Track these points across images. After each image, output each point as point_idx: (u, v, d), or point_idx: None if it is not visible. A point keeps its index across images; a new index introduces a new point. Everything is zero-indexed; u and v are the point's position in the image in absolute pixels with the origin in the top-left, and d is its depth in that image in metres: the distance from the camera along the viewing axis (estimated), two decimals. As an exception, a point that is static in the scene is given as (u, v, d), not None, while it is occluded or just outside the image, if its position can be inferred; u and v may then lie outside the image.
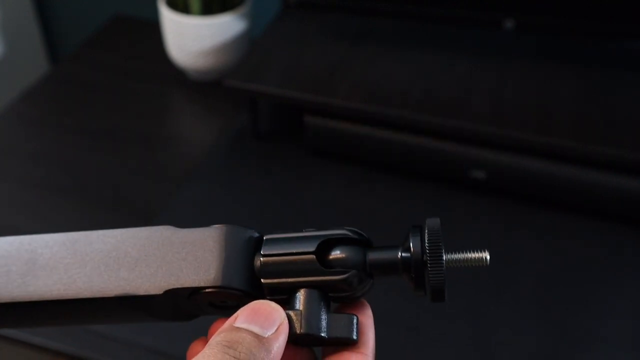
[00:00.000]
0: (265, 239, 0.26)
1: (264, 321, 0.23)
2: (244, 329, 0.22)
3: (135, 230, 0.26)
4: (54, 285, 0.25)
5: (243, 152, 0.75)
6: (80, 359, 0.55)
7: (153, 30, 0.97)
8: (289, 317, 0.24)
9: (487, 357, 0.54)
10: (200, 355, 0.21)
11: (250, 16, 0.85)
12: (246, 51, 0.84)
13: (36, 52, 1.12)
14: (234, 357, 0.21)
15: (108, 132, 0.80)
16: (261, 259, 0.25)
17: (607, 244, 0.64)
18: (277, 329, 0.23)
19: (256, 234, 0.27)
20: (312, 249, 0.25)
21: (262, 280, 0.25)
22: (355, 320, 0.25)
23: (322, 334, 0.24)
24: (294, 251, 0.25)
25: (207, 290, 0.25)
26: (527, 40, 0.76)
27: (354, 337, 0.24)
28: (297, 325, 0.24)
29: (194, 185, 0.70)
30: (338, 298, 0.26)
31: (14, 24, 1.04)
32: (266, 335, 0.22)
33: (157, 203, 0.68)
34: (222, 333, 0.22)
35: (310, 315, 0.24)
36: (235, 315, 0.23)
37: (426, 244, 0.25)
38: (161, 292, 0.25)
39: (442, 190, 0.69)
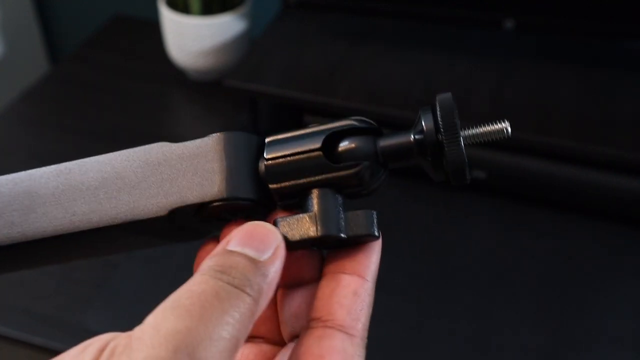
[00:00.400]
0: (267, 142, 0.24)
1: (259, 244, 0.21)
2: (237, 252, 0.20)
3: (130, 152, 0.25)
4: (55, 220, 0.24)
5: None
6: (80, 359, 0.55)
7: (153, 30, 0.97)
8: (304, 220, 0.22)
9: (487, 357, 0.54)
10: (190, 281, 0.19)
11: (250, 16, 0.85)
12: (246, 51, 0.84)
13: (36, 52, 1.12)
14: (228, 283, 0.19)
15: (108, 132, 0.80)
16: (265, 162, 0.24)
17: (607, 244, 0.64)
18: (274, 252, 0.21)
19: (257, 137, 0.25)
20: (318, 145, 0.23)
21: (269, 185, 0.24)
22: (374, 215, 0.23)
23: (342, 235, 0.22)
24: (299, 150, 0.23)
25: (213, 204, 0.23)
26: (527, 40, 0.76)
27: (376, 233, 0.23)
28: (312, 229, 0.22)
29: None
30: (352, 194, 0.24)
31: (14, 24, 1.04)
32: (262, 259, 0.20)
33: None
34: (214, 257, 0.20)
35: (326, 216, 0.22)
36: (227, 238, 0.21)
37: (439, 121, 0.22)
38: (165, 212, 0.23)
39: (442, 190, 0.69)
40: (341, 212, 0.23)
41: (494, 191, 0.68)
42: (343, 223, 0.23)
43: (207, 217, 0.24)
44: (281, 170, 0.24)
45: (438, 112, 0.22)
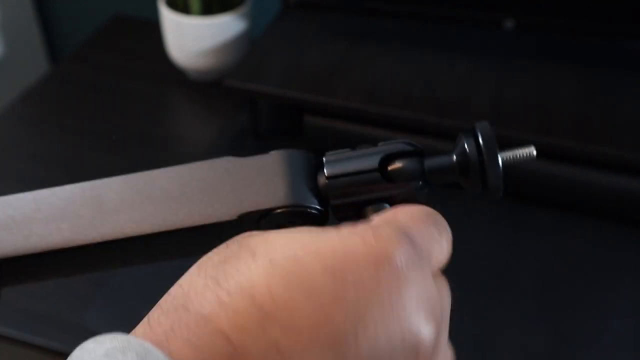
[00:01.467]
0: (326, 160, 0.27)
1: (429, 237, 0.24)
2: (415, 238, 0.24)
3: (196, 164, 0.27)
4: (125, 224, 0.26)
5: (243, 152, 0.75)
6: (81, 359, 0.55)
7: (153, 30, 0.97)
8: None
9: (488, 357, 0.54)
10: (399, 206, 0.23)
11: (250, 16, 0.85)
12: (246, 51, 0.84)
13: (36, 52, 1.12)
14: (430, 215, 0.24)
15: (108, 132, 0.80)
16: (326, 180, 0.26)
17: (607, 244, 0.64)
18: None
19: (313, 156, 0.28)
20: (375, 165, 0.26)
21: (331, 200, 0.26)
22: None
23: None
24: (359, 169, 0.26)
25: (278, 210, 0.25)
26: (527, 40, 0.76)
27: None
28: None
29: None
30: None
31: (14, 24, 1.04)
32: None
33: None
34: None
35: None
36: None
37: (482, 146, 0.26)
38: (235, 217, 0.25)
39: (442, 190, 0.69)
40: None
41: (494, 191, 0.68)
42: None
43: (267, 225, 0.26)
44: (342, 187, 0.26)
45: (480, 138, 0.26)
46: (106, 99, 0.85)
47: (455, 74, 0.71)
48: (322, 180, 0.26)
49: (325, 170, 0.26)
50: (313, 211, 0.26)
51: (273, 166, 0.27)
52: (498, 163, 0.26)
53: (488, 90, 0.68)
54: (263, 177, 0.26)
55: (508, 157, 0.27)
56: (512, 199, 0.68)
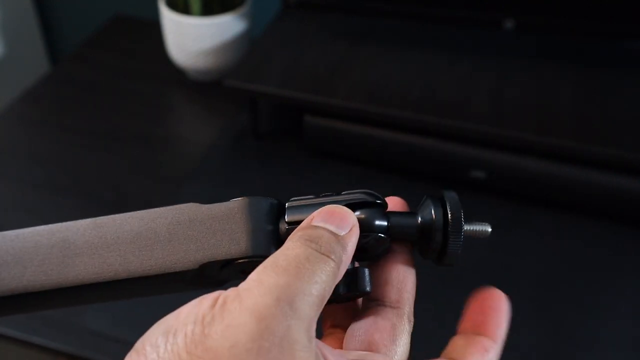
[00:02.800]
0: (288, 207, 0.27)
1: (340, 222, 0.24)
2: (321, 227, 0.24)
3: (161, 210, 0.28)
4: (91, 269, 0.26)
5: (243, 152, 0.75)
6: (81, 359, 0.55)
7: (153, 30, 0.97)
8: None
9: (487, 357, 0.54)
10: (284, 247, 0.23)
11: (250, 16, 0.85)
12: (246, 51, 0.84)
13: (36, 52, 1.12)
14: (316, 250, 0.23)
15: (108, 132, 0.80)
16: (286, 227, 0.27)
17: (607, 244, 0.64)
18: (351, 229, 0.25)
19: (276, 201, 0.28)
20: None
21: None
22: (367, 273, 0.27)
23: (341, 292, 0.26)
24: None
25: (239, 260, 0.26)
26: (527, 40, 0.76)
27: (367, 289, 0.26)
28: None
29: (194, 185, 0.70)
30: (359, 258, 0.27)
31: (14, 24, 1.04)
32: (342, 234, 0.24)
33: (157, 203, 0.68)
34: (301, 230, 0.24)
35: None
36: (311, 216, 0.25)
37: (449, 217, 0.27)
38: (197, 266, 0.26)
39: (441, 190, 0.69)
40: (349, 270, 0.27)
41: (494, 191, 0.68)
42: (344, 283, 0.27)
43: (231, 271, 0.27)
44: None
45: (448, 208, 0.27)
46: (106, 99, 0.86)
47: (455, 74, 0.71)
48: (283, 227, 0.27)
49: (286, 217, 0.27)
50: None
51: (235, 214, 0.27)
52: (461, 235, 0.27)
53: (488, 90, 0.68)
54: (226, 225, 0.27)
55: (468, 230, 0.28)
56: (512, 199, 0.68)
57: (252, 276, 0.21)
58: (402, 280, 0.27)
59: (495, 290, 0.28)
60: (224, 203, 0.27)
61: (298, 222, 0.26)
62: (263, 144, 0.76)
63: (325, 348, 0.22)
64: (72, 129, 0.80)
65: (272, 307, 0.20)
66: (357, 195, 0.27)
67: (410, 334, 0.27)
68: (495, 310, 0.28)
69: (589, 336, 0.55)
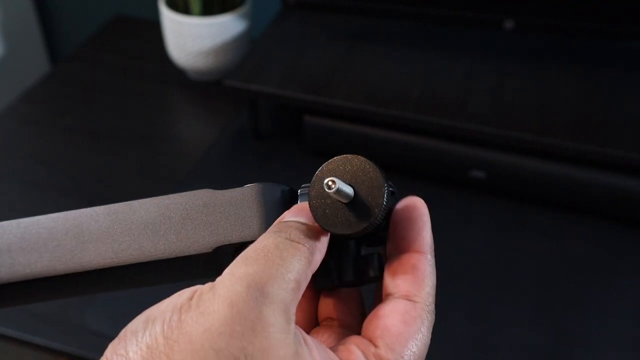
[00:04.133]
0: (300, 193, 0.28)
1: (307, 214, 0.25)
2: (292, 220, 0.25)
3: (175, 196, 0.28)
4: (105, 254, 0.27)
5: (243, 152, 0.75)
6: (81, 359, 0.55)
7: (153, 30, 0.97)
8: (327, 269, 0.27)
9: (488, 357, 0.54)
10: (256, 242, 0.24)
11: (250, 16, 0.85)
12: (246, 51, 0.84)
13: (36, 52, 1.12)
14: (285, 238, 0.24)
15: (108, 132, 0.80)
16: None
17: (607, 244, 0.64)
18: None
19: (287, 188, 0.29)
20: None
21: None
22: (376, 259, 0.27)
23: (349, 278, 0.27)
24: None
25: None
26: (527, 40, 0.76)
27: (371, 275, 0.27)
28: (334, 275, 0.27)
29: (194, 185, 0.70)
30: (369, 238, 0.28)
31: (14, 24, 1.04)
32: (312, 223, 0.25)
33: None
34: (274, 226, 0.25)
35: (344, 264, 0.27)
36: (282, 215, 0.26)
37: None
38: (211, 250, 0.26)
39: (442, 190, 0.69)
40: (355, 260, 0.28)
41: (493, 191, 0.68)
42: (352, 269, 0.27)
43: None
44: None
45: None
46: (106, 99, 0.86)
47: (455, 74, 0.71)
48: None
49: (299, 202, 0.27)
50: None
51: (248, 200, 0.27)
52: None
53: (488, 90, 0.68)
54: (238, 210, 0.27)
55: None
56: (512, 199, 0.68)
57: (226, 270, 0.22)
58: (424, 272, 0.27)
59: (410, 199, 0.28)
60: (238, 189, 0.28)
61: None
62: (263, 144, 0.76)
63: (309, 338, 0.22)
64: (72, 129, 0.80)
65: (242, 293, 0.21)
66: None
67: (430, 327, 0.26)
68: (412, 221, 0.27)
69: (589, 336, 0.55)
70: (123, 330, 0.22)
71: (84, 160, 0.76)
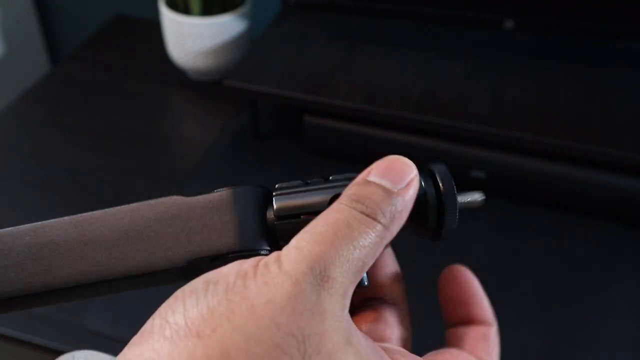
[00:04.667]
0: (275, 197, 0.26)
1: (395, 175, 0.24)
2: (375, 182, 0.23)
3: (143, 205, 0.26)
4: (76, 270, 0.25)
5: (243, 152, 0.75)
6: (80, 359, 0.55)
7: (153, 30, 0.97)
8: None
9: (487, 357, 0.54)
10: (329, 209, 0.23)
11: (250, 16, 0.85)
12: (246, 51, 0.84)
13: (36, 52, 1.12)
14: (361, 212, 0.22)
15: (108, 132, 0.80)
16: (275, 222, 0.26)
17: (607, 244, 0.64)
18: (408, 183, 0.24)
19: (261, 189, 0.27)
20: (325, 201, 0.25)
21: (280, 242, 0.26)
22: None
23: None
24: (309, 210, 0.25)
25: (229, 255, 0.25)
26: (527, 40, 0.76)
27: (365, 284, 0.25)
28: None
29: (194, 185, 0.70)
30: None
31: (14, 24, 1.04)
32: (396, 190, 0.23)
33: (157, 203, 0.68)
34: (353, 186, 0.23)
35: None
36: (369, 169, 0.24)
37: (442, 192, 0.25)
38: (184, 263, 0.25)
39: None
40: None
41: (493, 191, 0.68)
42: None
43: (223, 263, 0.26)
44: (291, 230, 0.25)
45: (440, 182, 0.26)
46: (106, 99, 0.86)
47: (455, 74, 0.71)
48: (270, 216, 0.26)
49: (274, 206, 0.26)
50: (263, 252, 0.25)
51: (221, 206, 0.26)
52: (456, 209, 0.25)
53: (488, 90, 0.68)
54: (213, 218, 0.26)
55: (462, 203, 0.27)
56: (512, 199, 0.68)
57: (292, 242, 0.22)
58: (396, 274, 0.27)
59: (459, 268, 0.27)
60: (209, 195, 0.26)
61: (286, 212, 0.25)
62: (263, 144, 0.76)
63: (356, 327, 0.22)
64: (72, 129, 0.80)
65: (306, 274, 0.20)
66: (345, 183, 0.26)
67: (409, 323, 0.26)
68: (471, 292, 0.27)
69: (589, 336, 0.55)
70: (180, 290, 0.21)
71: (84, 160, 0.76)
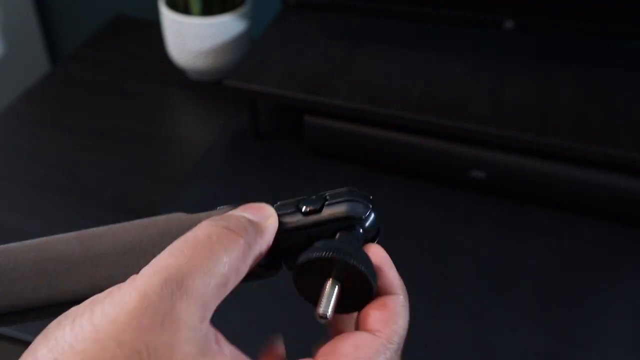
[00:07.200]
0: (276, 207, 0.27)
1: (256, 211, 0.25)
2: (238, 213, 0.25)
3: (150, 221, 0.27)
4: (81, 284, 0.26)
5: (243, 152, 0.75)
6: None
7: (153, 30, 0.97)
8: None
9: (487, 357, 0.54)
10: (190, 231, 0.23)
11: (250, 16, 0.85)
12: (246, 51, 0.84)
13: (36, 52, 1.12)
14: (224, 227, 0.23)
15: (108, 132, 0.80)
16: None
17: (607, 244, 0.64)
18: (268, 217, 0.25)
19: None
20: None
21: (284, 258, 0.27)
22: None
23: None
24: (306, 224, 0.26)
25: None
26: (527, 40, 0.76)
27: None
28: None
29: (193, 185, 0.70)
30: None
31: (14, 24, 1.04)
32: (257, 220, 0.24)
33: (157, 203, 0.68)
34: (215, 216, 0.24)
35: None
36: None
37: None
38: None
39: (442, 190, 0.69)
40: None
41: (493, 191, 0.68)
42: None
43: None
44: (291, 240, 0.26)
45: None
46: (106, 99, 0.86)
47: (455, 74, 0.71)
48: None
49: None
50: (262, 267, 0.26)
51: None
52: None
53: (488, 90, 0.68)
54: None
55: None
56: (512, 199, 0.68)
57: (151, 261, 0.22)
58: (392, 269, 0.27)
59: (369, 249, 0.27)
60: (211, 212, 0.27)
61: (287, 228, 0.26)
62: (263, 144, 0.76)
63: (224, 340, 0.22)
64: (72, 129, 0.80)
65: (157, 286, 0.20)
66: (341, 207, 0.26)
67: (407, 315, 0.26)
68: (379, 270, 0.26)
69: (589, 336, 0.55)
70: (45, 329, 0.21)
71: (84, 160, 0.76)
